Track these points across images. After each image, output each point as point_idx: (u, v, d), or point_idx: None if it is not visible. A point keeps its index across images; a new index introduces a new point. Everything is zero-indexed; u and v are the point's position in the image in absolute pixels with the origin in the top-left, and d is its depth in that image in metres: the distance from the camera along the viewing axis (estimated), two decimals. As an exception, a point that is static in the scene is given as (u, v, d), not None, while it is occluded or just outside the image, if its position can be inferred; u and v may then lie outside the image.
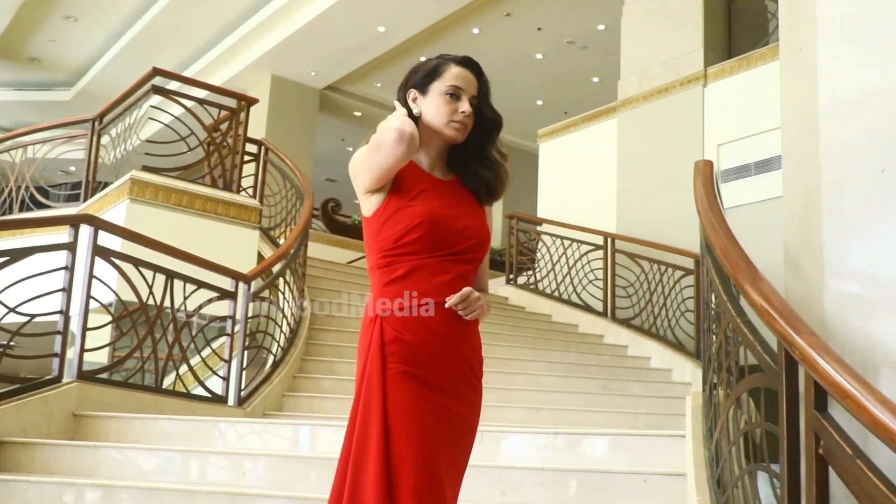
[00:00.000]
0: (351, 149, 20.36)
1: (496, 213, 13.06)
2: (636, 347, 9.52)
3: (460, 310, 2.51)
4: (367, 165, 2.60)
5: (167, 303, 6.26)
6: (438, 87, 2.64)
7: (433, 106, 2.63)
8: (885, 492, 2.25)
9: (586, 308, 10.41)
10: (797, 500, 2.62)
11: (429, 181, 2.66)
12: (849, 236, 2.89)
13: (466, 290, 2.51)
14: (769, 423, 2.93)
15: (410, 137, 2.50)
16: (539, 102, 17.16)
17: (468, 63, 2.69)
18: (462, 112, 2.61)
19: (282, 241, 9.37)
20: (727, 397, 3.39)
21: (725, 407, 3.40)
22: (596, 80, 16.21)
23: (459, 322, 2.57)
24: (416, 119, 2.65)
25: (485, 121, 2.69)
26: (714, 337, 3.70)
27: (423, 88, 2.68)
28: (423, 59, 10.13)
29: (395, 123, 2.53)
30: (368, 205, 2.65)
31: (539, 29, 14.98)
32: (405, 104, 2.70)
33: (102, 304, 5.83)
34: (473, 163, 2.72)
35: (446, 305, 2.51)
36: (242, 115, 9.19)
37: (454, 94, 2.62)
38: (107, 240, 5.83)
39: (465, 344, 2.60)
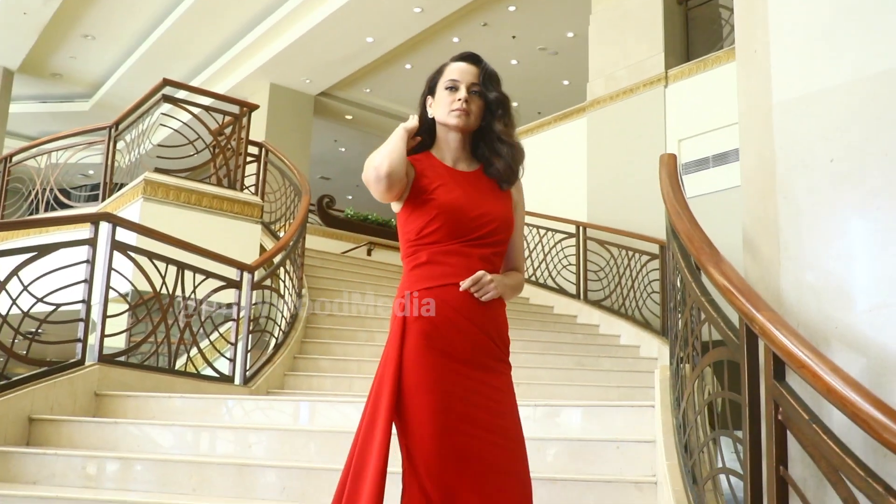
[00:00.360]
0: (343, 149, 20.42)
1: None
2: (607, 326, 9.55)
3: (473, 292, 2.50)
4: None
5: (178, 292, 6.33)
6: (441, 85, 2.69)
7: (438, 102, 2.69)
8: (838, 452, 2.25)
9: (561, 291, 10.44)
10: (758, 462, 2.63)
11: (448, 175, 2.67)
12: (802, 221, 2.89)
13: (479, 273, 2.51)
14: (732, 392, 2.93)
15: (387, 176, 2.53)
16: (515, 104, 16.87)
17: (465, 57, 2.74)
18: (458, 99, 2.63)
19: (282, 234, 9.43)
20: (693, 370, 3.40)
21: (691, 379, 3.41)
22: (566, 82, 16.24)
23: (480, 302, 2.55)
24: (432, 121, 2.72)
25: (490, 103, 2.69)
26: (680, 315, 3.70)
27: (432, 91, 2.75)
28: (408, 66, 10.16)
29: (373, 161, 2.59)
30: (395, 203, 2.69)
31: (514, 37, 14.98)
32: (423, 111, 2.75)
33: (120, 294, 5.84)
34: (485, 149, 2.72)
35: (460, 289, 2.50)
36: (244, 120, 9.28)
37: (452, 87, 2.66)
38: (124, 235, 5.86)
39: (489, 322, 2.57)
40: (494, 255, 2.63)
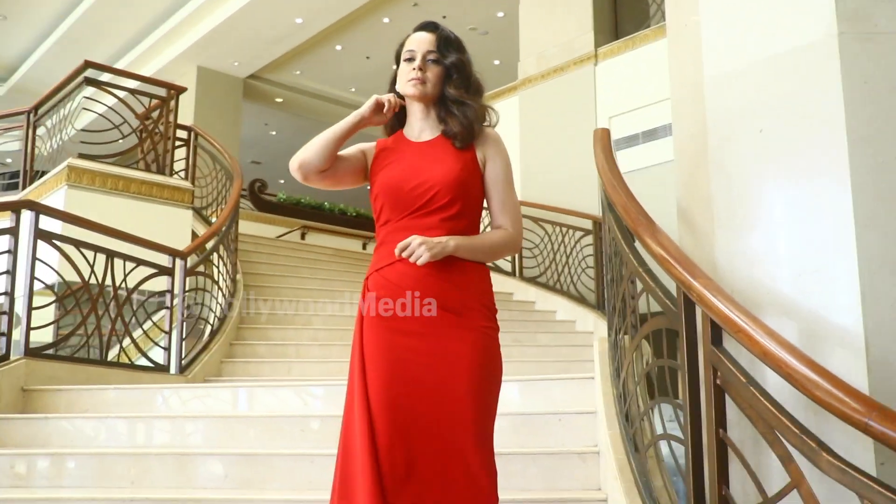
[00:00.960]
0: (274, 133, 20.27)
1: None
2: (543, 302, 9.62)
3: (406, 257, 2.48)
4: None
5: (108, 281, 6.20)
6: (402, 57, 2.71)
7: (399, 74, 2.72)
8: (774, 412, 2.32)
9: (496, 269, 10.46)
10: (698, 427, 2.68)
11: (402, 151, 2.72)
12: (733, 191, 2.95)
13: (407, 239, 2.48)
14: (671, 360, 2.98)
15: (298, 168, 2.75)
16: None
17: (423, 26, 2.75)
18: (413, 69, 2.65)
19: (214, 220, 9.36)
20: (632, 340, 3.45)
21: (630, 349, 3.46)
22: (497, 62, 16.25)
23: (427, 275, 2.54)
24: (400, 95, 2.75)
25: (447, 65, 2.69)
26: (618, 287, 3.75)
27: (397, 66, 2.76)
28: (338, 48, 10.08)
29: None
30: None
31: (444, 17, 14.94)
32: (394, 83, 2.78)
33: (46, 285, 5.73)
34: (440, 111, 2.72)
35: (396, 255, 2.51)
36: (172, 103, 9.20)
37: (409, 58, 2.69)
38: (48, 224, 5.73)
39: (440, 293, 2.55)
40: (444, 220, 2.58)
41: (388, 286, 2.57)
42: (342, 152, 2.79)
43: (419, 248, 2.46)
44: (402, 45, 2.75)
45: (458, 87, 2.68)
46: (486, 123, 2.75)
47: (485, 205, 2.75)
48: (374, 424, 2.44)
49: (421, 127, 2.74)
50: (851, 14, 2.76)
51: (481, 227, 2.78)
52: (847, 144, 2.69)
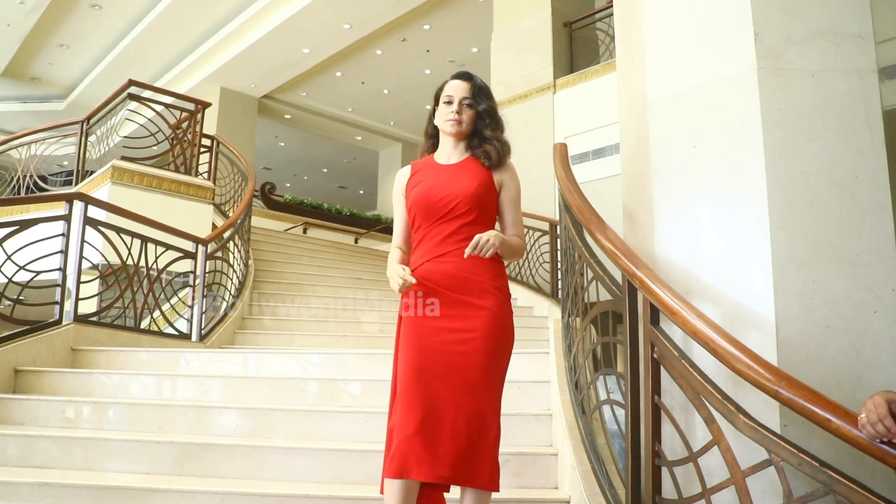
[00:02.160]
0: (283, 144, 20.24)
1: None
2: (506, 291, 9.59)
3: (476, 253, 2.59)
4: None
5: (142, 262, 6.20)
6: (441, 99, 2.85)
7: (438, 113, 2.87)
8: (701, 381, 2.34)
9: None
10: (637, 393, 2.69)
11: (432, 171, 2.85)
12: (670, 195, 2.96)
13: (476, 237, 2.59)
14: (615, 337, 2.99)
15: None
16: (427, 107, 16.93)
17: (459, 75, 2.91)
18: (451, 111, 2.80)
19: (231, 214, 9.33)
20: (582, 321, 3.45)
21: (581, 328, 3.46)
22: (471, 90, 16.29)
23: (447, 272, 2.69)
24: (437, 129, 2.92)
25: (480, 111, 2.84)
26: (571, 276, 3.75)
27: (436, 103, 2.91)
28: (338, 74, 10.04)
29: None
30: None
31: (428, 51, 14.94)
32: (432, 117, 2.93)
33: (92, 264, 5.73)
34: (477, 141, 2.84)
35: (465, 256, 2.63)
36: (199, 116, 9.19)
37: (448, 101, 2.84)
38: (94, 213, 5.71)
39: (458, 284, 2.68)
40: (463, 225, 2.72)
41: (418, 279, 2.70)
42: (400, 217, 2.94)
43: (487, 243, 2.59)
44: (441, 89, 2.91)
45: (494, 130, 2.85)
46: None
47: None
48: (411, 387, 2.59)
49: (450, 154, 2.88)
50: (768, 52, 2.79)
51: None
52: (764, 159, 2.71)
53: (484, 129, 2.83)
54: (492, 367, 2.64)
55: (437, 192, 2.75)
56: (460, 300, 2.66)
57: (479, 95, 2.83)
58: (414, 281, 2.64)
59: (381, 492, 2.65)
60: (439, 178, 2.80)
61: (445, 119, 2.81)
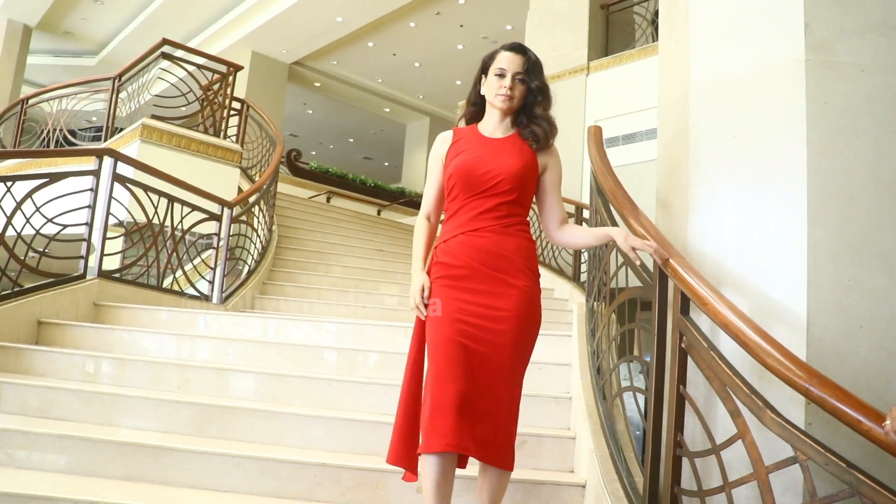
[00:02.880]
0: (311, 111, 20.23)
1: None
2: (528, 273, 9.57)
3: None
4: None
5: (167, 221, 6.24)
6: (492, 70, 2.77)
7: (488, 84, 2.79)
8: (729, 373, 2.32)
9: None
10: (661, 382, 2.67)
11: (478, 142, 2.79)
12: (708, 184, 2.92)
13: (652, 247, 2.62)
14: (643, 324, 2.97)
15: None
16: (458, 83, 17.01)
17: (513, 48, 2.80)
18: (503, 86, 2.73)
19: (257, 179, 9.36)
20: (608, 305, 3.43)
21: (606, 314, 3.44)
22: (503, 67, 16.21)
23: (479, 248, 2.67)
24: (482, 97, 2.85)
25: (532, 88, 2.77)
26: (600, 260, 3.73)
27: (485, 72, 2.84)
28: (370, 44, 10.04)
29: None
30: None
31: (461, 26, 14.86)
32: (478, 85, 2.85)
33: (118, 220, 5.76)
34: (525, 119, 2.79)
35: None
36: (230, 78, 9.21)
37: (500, 74, 2.75)
38: (123, 169, 5.73)
39: (491, 259, 2.66)
40: (501, 204, 2.70)
41: (450, 253, 2.70)
42: (434, 183, 2.89)
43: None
44: (491, 58, 2.83)
45: (545, 108, 2.80)
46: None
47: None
48: (447, 361, 2.56)
49: (495, 128, 2.83)
50: (818, 44, 2.73)
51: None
52: (806, 154, 2.67)
53: (534, 106, 2.77)
54: (522, 348, 2.65)
55: (481, 166, 2.71)
56: (493, 276, 2.65)
57: (533, 71, 2.76)
58: (424, 316, 2.69)
59: (407, 466, 2.66)
60: (484, 150, 2.75)
61: (496, 93, 2.75)
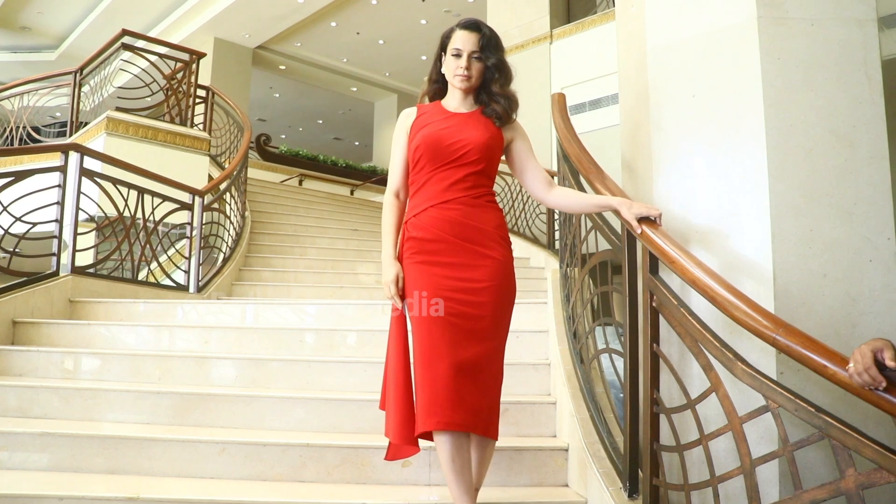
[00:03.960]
0: (277, 95, 20.07)
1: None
2: (502, 243, 9.60)
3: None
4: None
5: (139, 214, 6.19)
6: (449, 50, 2.77)
7: (447, 65, 2.81)
8: (700, 329, 2.36)
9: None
10: (635, 342, 2.71)
11: (442, 117, 2.80)
12: (669, 145, 2.95)
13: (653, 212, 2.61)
14: (613, 286, 3.01)
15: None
16: (423, 58, 16.90)
17: (468, 25, 2.79)
18: (460, 67, 2.73)
19: (227, 165, 9.30)
20: (581, 270, 3.46)
21: (579, 278, 3.48)
22: (467, 40, 16.14)
23: (452, 220, 2.68)
24: (443, 75, 2.84)
25: (488, 66, 2.76)
26: (569, 226, 3.75)
27: (444, 51, 2.82)
28: (333, 24, 9.95)
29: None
30: None
31: (423, 0, 14.78)
32: (438, 62, 2.85)
33: (89, 215, 5.72)
34: (485, 97, 2.80)
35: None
36: (194, 66, 9.12)
37: (457, 54, 2.75)
38: (90, 164, 5.67)
39: (465, 231, 2.69)
40: (469, 175, 2.72)
41: (422, 227, 2.72)
42: (399, 159, 2.87)
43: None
44: (447, 38, 2.81)
45: (503, 85, 2.78)
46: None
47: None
48: (432, 337, 2.61)
49: (458, 105, 2.84)
50: (768, 1, 2.76)
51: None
52: (763, 109, 2.70)
53: (492, 83, 2.77)
54: (501, 316, 2.70)
55: (448, 137, 2.72)
56: (467, 248, 2.67)
57: (489, 48, 2.75)
58: (400, 306, 2.71)
59: (403, 440, 2.66)
60: (450, 122, 2.76)
61: (454, 74, 2.75)
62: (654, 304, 2.57)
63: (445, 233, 2.67)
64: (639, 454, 2.67)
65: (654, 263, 2.60)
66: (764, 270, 2.61)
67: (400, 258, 2.77)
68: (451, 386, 2.52)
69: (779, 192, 2.65)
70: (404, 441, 2.65)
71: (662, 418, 2.57)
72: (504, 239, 2.76)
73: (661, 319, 2.57)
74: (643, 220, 2.59)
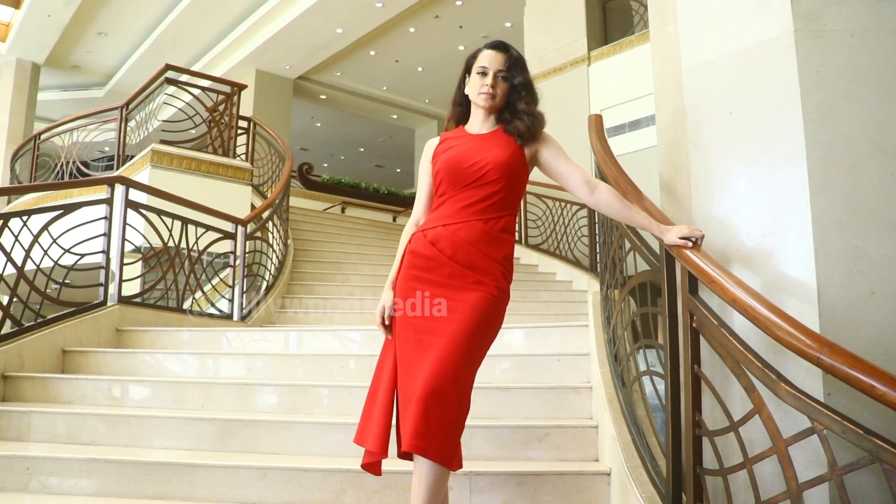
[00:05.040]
0: (319, 124, 20.28)
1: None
2: (545, 266, 9.58)
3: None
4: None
5: (183, 244, 6.27)
6: (474, 69, 2.75)
7: (471, 84, 2.77)
8: (742, 349, 2.30)
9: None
10: (676, 364, 2.66)
11: (462, 139, 2.77)
12: (708, 164, 2.90)
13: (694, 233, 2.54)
14: (653, 307, 2.96)
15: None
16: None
17: (495, 45, 2.77)
18: (485, 85, 2.70)
19: (269, 195, 9.38)
20: (620, 292, 3.42)
21: (619, 300, 3.43)
22: (505, 65, 16.20)
23: (453, 241, 2.62)
24: (467, 97, 2.81)
25: (514, 85, 2.73)
26: (609, 248, 3.71)
27: (469, 72, 2.80)
28: (372, 53, 10.04)
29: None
30: None
31: (461, 27, 14.87)
32: (462, 84, 2.83)
33: (135, 246, 5.82)
34: (509, 115, 2.75)
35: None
36: (235, 98, 9.24)
37: (482, 73, 2.72)
38: (136, 195, 5.81)
39: (461, 254, 2.61)
40: (488, 195, 2.65)
41: (423, 242, 2.66)
42: (424, 188, 2.85)
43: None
44: (474, 57, 2.79)
45: (528, 104, 2.74)
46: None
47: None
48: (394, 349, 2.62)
49: (481, 125, 2.79)
50: (805, 14, 2.71)
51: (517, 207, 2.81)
52: (802, 124, 2.64)
53: (517, 101, 2.72)
54: (468, 346, 2.51)
55: (467, 158, 2.67)
56: (461, 272, 2.59)
57: (515, 68, 2.72)
58: (385, 335, 2.69)
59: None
60: (470, 144, 2.72)
61: (479, 92, 2.71)
62: (694, 325, 2.52)
63: (444, 253, 2.61)
64: (682, 478, 2.60)
65: (693, 283, 2.56)
66: (808, 289, 2.55)
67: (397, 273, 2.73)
68: (384, 414, 2.55)
69: (821, 208, 2.59)
70: (379, 450, 2.53)
71: (705, 441, 2.51)
72: (506, 273, 2.66)
73: (702, 340, 2.52)
74: (683, 240, 2.54)
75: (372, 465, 2.67)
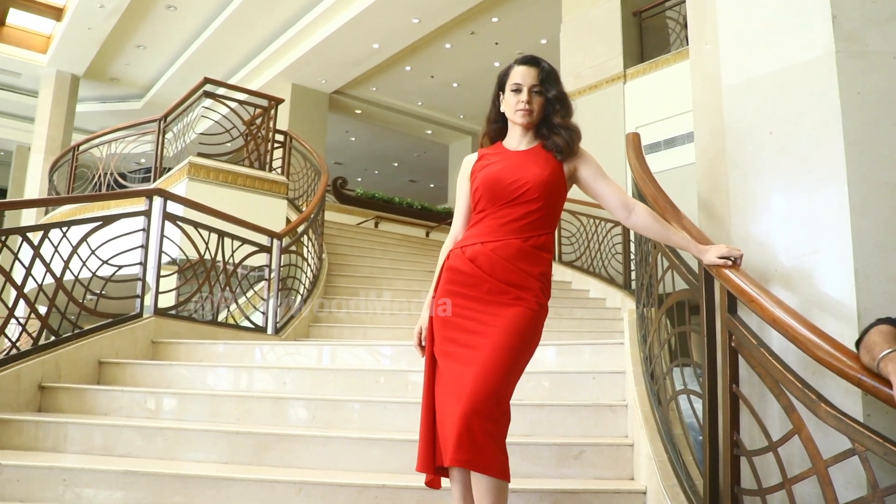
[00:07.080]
0: (354, 139, 20.43)
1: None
2: (578, 283, 9.57)
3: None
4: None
5: (219, 256, 6.34)
6: (508, 86, 2.76)
7: (506, 102, 2.78)
8: (781, 369, 2.30)
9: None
10: (714, 383, 2.66)
11: (501, 156, 2.77)
12: (747, 183, 2.91)
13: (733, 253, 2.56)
14: (692, 326, 2.96)
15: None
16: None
17: (526, 61, 2.78)
18: (521, 101, 2.71)
19: (304, 209, 9.47)
20: (658, 310, 3.42)
21: (656, 318, 3.43)
22: (541, 81, 16.23)
23: (491, 258, 2.63)
24: (503, 115, 2.83)
25: (549, 98, 2.74)
26: (646, 266, 3.72)
27: (502, 90, 2.81)
28: (407, 68, 10.13)
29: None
30: None
31: (496, 43, 14.93)
32: (496, 102, 2.84)
33: (171, 258, 5.90)
34: (546, 131, 2.76)
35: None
36: (272, 111, 9.32)
37: (516, 90, 2.73)
38: (173, 208, 5.89)
39: (499, 271, 2.62)
40: (527, 213, 2.65)
41: (462, 258, 2.68)
42: (463, 204, 2.89)
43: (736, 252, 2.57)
44: (506, 74, 2.80)
45: (564, 117, 2.75)
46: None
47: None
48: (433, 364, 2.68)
49: (519, 142, 2.80)
50: (846, 35, 2.72)
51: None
52: (843, 145, 2.65)
53: (553, 115, 2.74)
54: (510, 349, 2.54)
55: (507, 176, 2.67)
56: (500, 288, 2.61)
57: (548, 81, 2.74)
58: (421, 355, 2.75)
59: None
60: (510, 161, 2.72)
61: (515, 109, 2.73)
62: (732, 344, 2.52)
63: (483, 269, 2.62)
64: (719, 498, 2.60)
65: (732, 303, 2.56)
66: (848, 309, 2.54)
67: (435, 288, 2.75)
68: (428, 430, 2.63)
69: (862, 228, 2.59)
70: (426, 470, 2.65)
71: (743, 461, 2.51)
72: (545, 289, 2.67)
73: (741, 359, 2.52)
74: (723, 259, 2.55)
75: (432, 481, 2.75)
